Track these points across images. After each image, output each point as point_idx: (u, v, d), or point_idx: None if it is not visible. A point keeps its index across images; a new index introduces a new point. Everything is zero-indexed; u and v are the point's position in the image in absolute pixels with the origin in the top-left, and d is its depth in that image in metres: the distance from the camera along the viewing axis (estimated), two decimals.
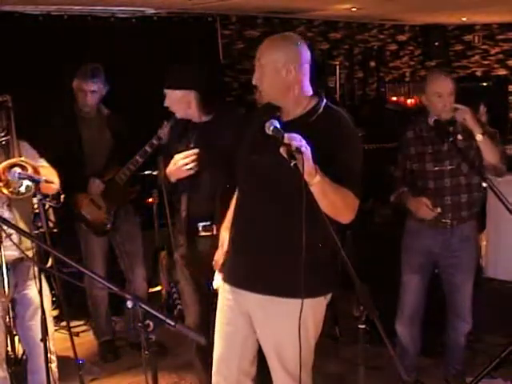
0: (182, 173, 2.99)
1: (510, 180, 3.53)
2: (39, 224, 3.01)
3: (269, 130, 2.21)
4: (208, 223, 3.03)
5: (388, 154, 5.39)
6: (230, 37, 6.90)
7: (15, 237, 3.04)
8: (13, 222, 2.93)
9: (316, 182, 2.16)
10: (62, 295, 3.37)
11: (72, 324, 4.02)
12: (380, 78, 8.41)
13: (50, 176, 3.15)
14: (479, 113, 4.33)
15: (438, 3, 6.41)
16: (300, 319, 2.22)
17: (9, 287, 3.08)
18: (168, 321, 1.81)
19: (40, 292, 3.00)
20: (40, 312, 2.99)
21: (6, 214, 3.09)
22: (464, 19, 7.97)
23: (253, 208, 2.46)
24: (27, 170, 2.98)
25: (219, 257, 2.75)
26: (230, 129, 2.92)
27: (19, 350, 3.59)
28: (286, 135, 2.13)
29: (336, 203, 2.25)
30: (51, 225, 4.40)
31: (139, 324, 1.82)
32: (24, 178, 2.95)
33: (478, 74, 8.73)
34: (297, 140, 2.12)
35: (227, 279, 2.58)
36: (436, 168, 3.35)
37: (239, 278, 2.52)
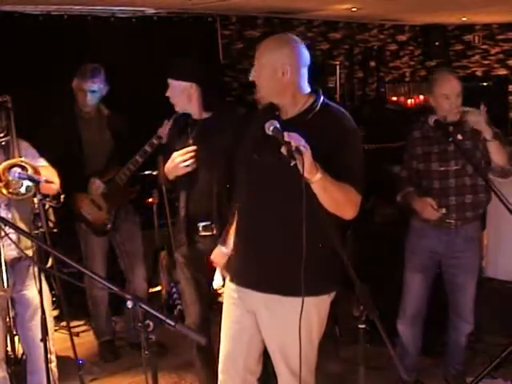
0: (180, 170, 2.98)
1: (510, 180, 3.52)
2: (39, 224, 3.00)
3: (269, 130, 2.21)
4: (208, 223, 3.03)
5: (388, 154, 5.41)
6: (229, 37, 6.91)
7: (13, 236, 3.02)
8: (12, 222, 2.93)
9: (317, 180, 2.16)
10: (62, 295, 3.37)
11: (72, 324, 4.03)
12: (380, 78, 8.41)
13: (50, 176, 3.14)
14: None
15: (437, 3, 6.41)
16: (301, 316, 2.22)
17: (8, 283, 3.06)
18: (168, 321, 1.81)
19: (40, 292, 2.99)
20: (40, 312, 2.99)
21: (6, 214, 3.08)
22: (464, 19, 7.97)
23: (255, 208, 2.47)
24: (27, 171, 2.97)
25: (216, 256, 2.76)
26: (229, 127, 2.92)
27: (19, 349, 3.59)
28: (285, 134, 2.14)
29: (338, 199, 2.26)
30: (51, 225, 4.38)
31: (139, 324, 1.82)
32: (24, 179, 2.94)
33: (478, 73, 8.74)
34: (296, 139, 2.12)
35: (233, 279, 2.59)
36: (441, 168, 3.35)
37: (244, 278, 2.52)
